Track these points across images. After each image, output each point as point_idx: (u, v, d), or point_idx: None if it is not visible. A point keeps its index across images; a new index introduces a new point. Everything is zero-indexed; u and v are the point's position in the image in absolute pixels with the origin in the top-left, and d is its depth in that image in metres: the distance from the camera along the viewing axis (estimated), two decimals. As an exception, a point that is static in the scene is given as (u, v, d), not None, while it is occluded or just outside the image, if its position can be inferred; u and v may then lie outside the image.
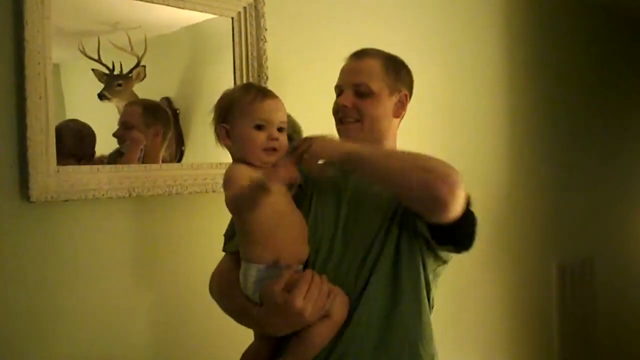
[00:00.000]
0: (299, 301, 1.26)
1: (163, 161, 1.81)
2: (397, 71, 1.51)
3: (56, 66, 1.58)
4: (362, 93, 1.46)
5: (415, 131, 1.87)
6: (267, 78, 1.94)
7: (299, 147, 1.36)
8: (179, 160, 1.86)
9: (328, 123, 1.53)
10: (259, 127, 1.34)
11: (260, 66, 1.95)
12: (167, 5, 1.77)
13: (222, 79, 1.91)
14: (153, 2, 1.74)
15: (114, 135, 1.73)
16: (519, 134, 3.13)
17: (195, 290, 1.59)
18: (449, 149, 2.44)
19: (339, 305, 1.33)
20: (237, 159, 1.38)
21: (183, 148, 1.88)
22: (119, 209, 1.71)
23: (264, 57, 1.95)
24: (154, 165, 1.76)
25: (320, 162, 1.35)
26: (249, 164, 1.35)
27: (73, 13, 1.64)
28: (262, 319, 1.34)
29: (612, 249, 3.89)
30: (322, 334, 1.33)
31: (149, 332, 1.78)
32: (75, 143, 1.66)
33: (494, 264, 3.00)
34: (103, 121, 1.72)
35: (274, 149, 1.35)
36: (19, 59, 1.51)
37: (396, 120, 1.53)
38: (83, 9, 1.66)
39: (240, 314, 1.42)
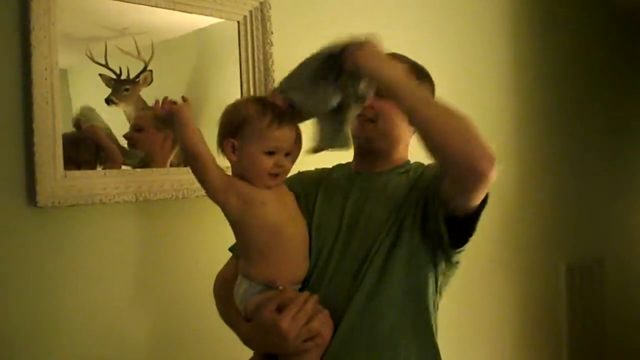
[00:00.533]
0: (285, 323, 1.27)
1: (170, 165, 1.81)
2: (420, 80, 1.48)
3: (63, 71, 1.59)
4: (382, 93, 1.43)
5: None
6: (273, 82, 1.93)
7: (347, 47, 1.30)
8: (186, 165, 1.86)
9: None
10: (270, 153, 1.34)
11: (267, 70, 1.95)
12: (174, 9, 1.77)
13: (228, 83, 1.92)
14: (159, 7, 1.74)
15: (125, 136, 1.75)
16: (526, 135, 3.12)
17: (201, 294, 1.60)
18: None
19: (326, 327, 1.33)
20: (237, 175, 1.38)
21: (190, 152, 1.89)
22: (126, 213, 1.71)
23: (270, 60, 1.95)
24: (161, 170, 1.77)
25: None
26: (247, 181, 1.35)
27: (80, 19, 1.64)
28: (246, 332, 1.37)
29: (622, 249, 3.87)
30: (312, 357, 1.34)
31: (153, 337, 1.78)
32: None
33: (503, 265, 2.98)
34: (110, 126, 1.73)
35: (277, 175, 1.36)
36: (26, 64, 1.51)
37: (410, 131, 1.49)
38: (90, 14, 1.67)
39: (232, 324, 1.45)
